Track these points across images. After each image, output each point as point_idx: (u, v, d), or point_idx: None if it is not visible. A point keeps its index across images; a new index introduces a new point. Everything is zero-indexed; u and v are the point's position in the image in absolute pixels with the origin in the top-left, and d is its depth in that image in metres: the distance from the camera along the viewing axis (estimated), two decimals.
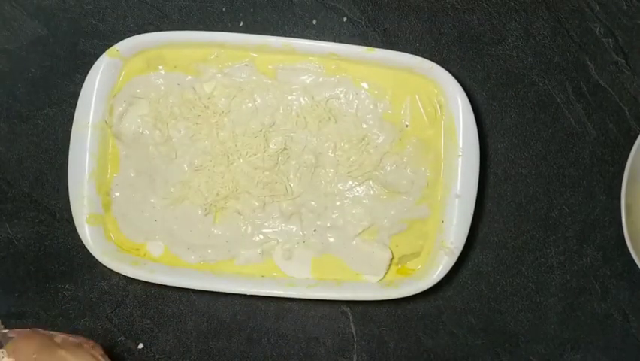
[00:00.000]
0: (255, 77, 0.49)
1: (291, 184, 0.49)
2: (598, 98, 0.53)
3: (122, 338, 0.53)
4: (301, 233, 0.50)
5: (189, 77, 0.49)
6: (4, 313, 0.53)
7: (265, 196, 0.49)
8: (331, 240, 0.50)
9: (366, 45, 0.48)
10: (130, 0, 0.52)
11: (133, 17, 0.52)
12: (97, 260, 0.48)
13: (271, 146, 0.49)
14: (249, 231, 0.50)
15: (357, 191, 0.50)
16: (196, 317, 0.53)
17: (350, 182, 0.49)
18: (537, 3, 0.53)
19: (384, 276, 0.50)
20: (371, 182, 0.49)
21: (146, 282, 0.49)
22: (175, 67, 0.49)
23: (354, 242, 0.50)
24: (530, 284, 0.54)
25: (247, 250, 0.50)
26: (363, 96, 0.49)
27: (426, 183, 0.49)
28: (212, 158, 0.49)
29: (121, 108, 0.49)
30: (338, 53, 0.48)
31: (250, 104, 0.49)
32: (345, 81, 0.49)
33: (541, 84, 0.53)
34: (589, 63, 0.53)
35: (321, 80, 0.49)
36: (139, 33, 0.48)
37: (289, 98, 0.49)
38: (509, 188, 0.53)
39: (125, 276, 0.49)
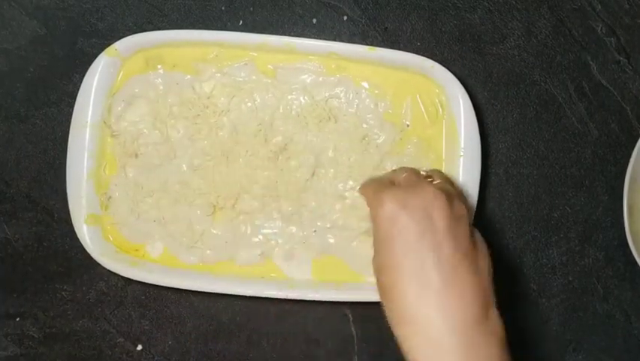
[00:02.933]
0: (254, 77, 0.49)
1: (291, 184, 0.49)
2: (600, 98, 0.53)
3: (121, 339, 0.53)
4: (301, 234, 0.49)
5: (188, 77, 0.49)
6: (3, 314, 0.53)
7: (265, 196, 0.49)
8: (331, 240, 0.49)
9: (366, 44, 0.48)
10: None
11: (132, 16, 0.52)
12: (95, 261, 0.48)
13: (271, 146, 0.49)
14: (248, 231, 0.49)
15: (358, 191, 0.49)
16: (195, 318, 0.53)
17: (350, 182, 0.49)
18: (539, 2, 0.52)
19: None
20: None
21: (145, 283, 0.49)
22: (174, 66, 0.49)
23: (354, 243, 0.49)
24: (532, 285, 0.54)
25: (247, 251, 0.49)
26: (363, 96, 0.49)
27: None
28: (212, 158, 0.49)
29: (119, 108, 0.49)
30: (338, 52, 0.48)
31: (250, 104, 0.49)
32: (345, 81, 0.49)
33: (542, 83, 0.53)
34: (591, 62, 0.53)
35: (321, 79, 0.49)
36: (138, 32, 0.48)
37: (289, 97, 0.49)
38: (511, 188, 0.53)
39: (124, 277, 0.48)
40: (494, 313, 0.35)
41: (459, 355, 0.32)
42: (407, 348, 0.33)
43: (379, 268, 0.35)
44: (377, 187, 0.37)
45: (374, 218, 0.36)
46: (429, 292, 0.33)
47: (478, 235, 0.39)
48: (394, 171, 0.43)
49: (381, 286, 0.35)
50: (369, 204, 0.37)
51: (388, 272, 0.34)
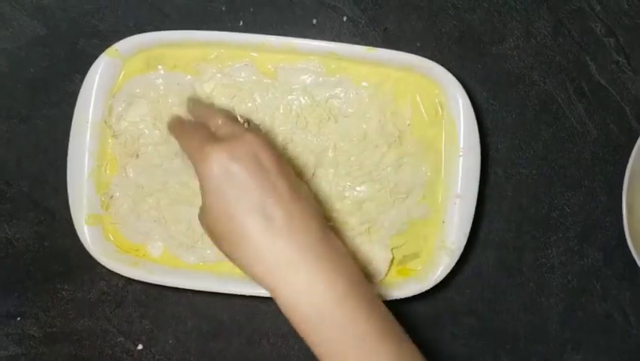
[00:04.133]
0: (254, 77, 0.49)
1: None
2: (599, 98, 0.53)
3: (122, 338, 0.53)
4: None
5: (189, 77, 0.49)
6: (4, 314, 0.53)
7: None
8: None
9: (366, 45, 0.48)
10: None
11: (132, 17, 0.52)
12: (96, 261, 0.48)
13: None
14: None
15: (357, 191, 0.49)
16: (195, 317, 0.53)
17: (350, 182, 0.49)
18: (538, 2, 0.52)
19: (385, 276, 0.49)
20: (371, 182, 0.49)
21: (145, 283, 0.49)
22: (174, 66, 0.49)
23: (354, 242, 0.49)
24: (531, 285, 0.54)
25: None
26: (363, 96, 0.49)
27: (426, 183, 0.49)
28: None
29: (120, 108, 0.49)
30: (338, 53, 0.48)
31: (250, 104, 0.49)
32: (345, 81, 0.49)
33: (542, 84, 0.53)
34: (590, 63, 0.53)
35: (321, 79, 0.49)
36: (138, 33, 0.48)
37: (289, 97, 0.49)
38: (510, 188, 0.53)
39: (125, 277, 0.48)
40: (330, 232, 0.38)
41: (311, 266, 0.35)
42: (268, 282, 0.36)
43: (215, 220, 0.37)
44: (200, 140, 0.37)
45: (202, 173, 0.36)
46: (275, 228, 0.35)
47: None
48: (206, 112, 0.42)
49: (221, 238, 0.37)
50: (190, 157, 0.37)
51: (228, 222, 0.36)
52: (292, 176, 0.38)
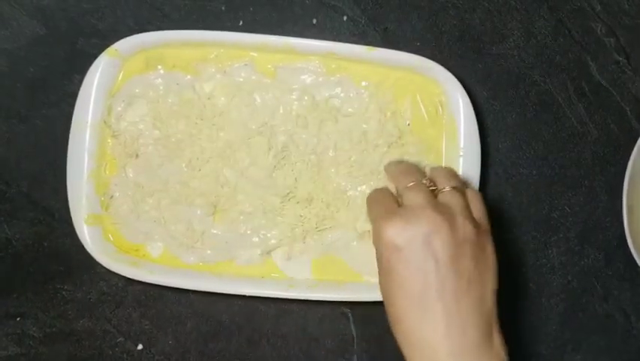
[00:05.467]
0: (254, 77, 0.49)
1: (291, 184, 0.49)
2: (599, 98, 0.53)
3: (121, 339, 0.53)
4: (301, 233, 0.49)
5: (188, 77, 0.49)
6: (3, 314, 0.53)
7: (265, 197, 0.49)
8: (332, 240, 0.50)
9: (366, 44, 0.48)
10: None
11: (132, 16, 0.52)
12: (96, 261, 0.48)
13: (271, 146, 0.49)
14: (248, 231, 0.49)
15: (358, 191, 0.49)
16: (195, 318, 0.53)
17: (350, 182, 0.49)
18: (538, 2, 0.52)
19: None
20: (372, 182, 0.49)
21: (145, 283, 0.49)
22: (174, 66, 0.49)
23: (354, 243, 0.49)
24: (531, 285, 0.54)
25: (247, 251, 0.49)
26: (363, 96, 0.49)
27: None
28: (212, 158, 0.49)
29: (120, 108, 0.49)
30: (338, 53, 0.48)
31: (250, 104, 0.49)
32: (345, 80, 0.49)
33: (542, 84, 0.53)
34: (590, 63, 0.53)
35: (321, 79, 0.49)
36: (138, 32, 0.48)
37: (289, 97, 0.49)
38: (510, 188, 0.53)
39: (124, 277, 0.48)
40: (497, 338, 0.36)
41: None
42: None
43: (384, 293, 0.37)
44: (380, 210, 0.38)
45: (375, 243, 0.37)
46: (432, 320, 0.34)
47: (489, 248, 0.39)
48: (395, 171, 0.43)
49: (387, 308, 0.37)
50: (371, 223, 0.38)
51: (392, 298, 0.36)
52: (469, 266, 0.36)
